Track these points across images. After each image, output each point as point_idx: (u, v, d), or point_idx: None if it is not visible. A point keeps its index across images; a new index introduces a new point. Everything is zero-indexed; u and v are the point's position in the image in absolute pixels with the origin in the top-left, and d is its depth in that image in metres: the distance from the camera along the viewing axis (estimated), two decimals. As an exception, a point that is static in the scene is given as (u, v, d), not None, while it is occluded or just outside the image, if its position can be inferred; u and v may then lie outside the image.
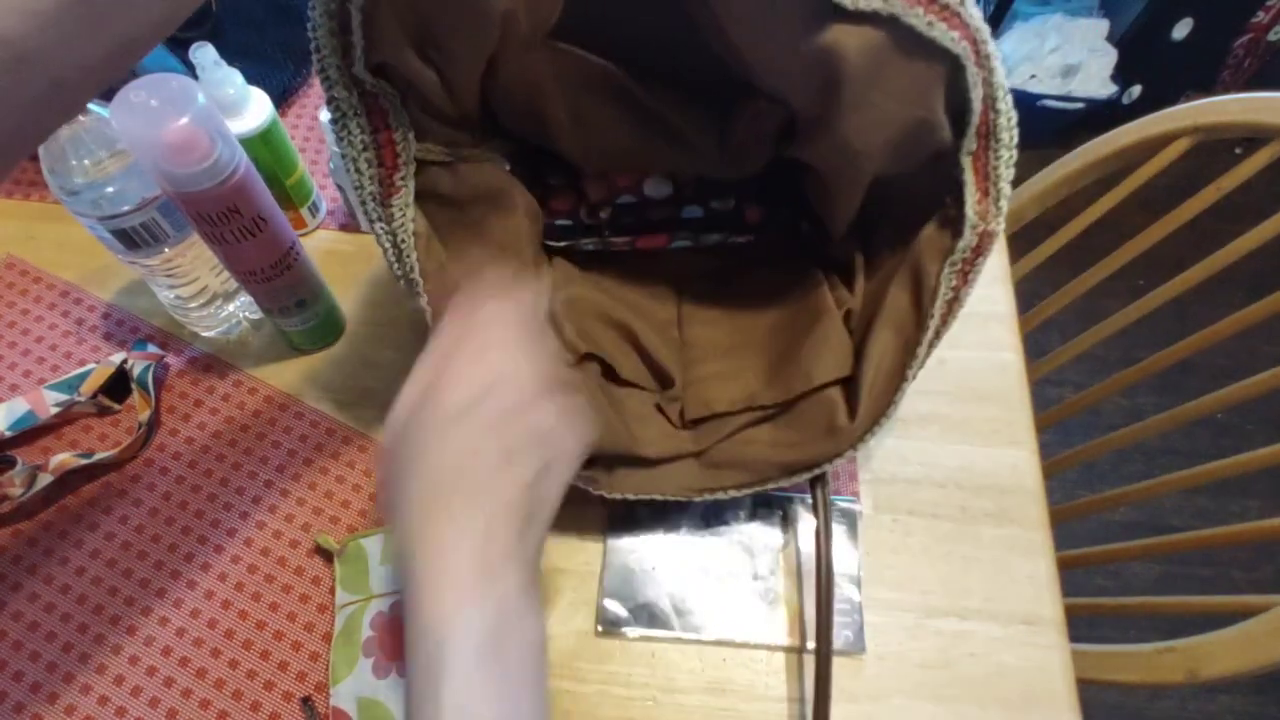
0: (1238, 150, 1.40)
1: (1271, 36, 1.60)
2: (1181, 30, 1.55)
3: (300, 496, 0.48)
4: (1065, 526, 0.57)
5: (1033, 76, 1.57)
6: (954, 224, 0.38)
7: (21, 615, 0.44)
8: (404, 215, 0.37)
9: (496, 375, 0.31)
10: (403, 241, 0.37)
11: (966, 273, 0.38)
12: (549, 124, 0.42)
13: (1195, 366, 0.74)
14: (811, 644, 0.43)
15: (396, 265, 0.38)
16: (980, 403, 0.52)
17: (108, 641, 0.43)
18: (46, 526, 0.46)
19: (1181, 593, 0.62)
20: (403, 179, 0.36)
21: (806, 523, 0.47)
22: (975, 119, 0.34)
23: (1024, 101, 1.57)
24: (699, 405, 0.45)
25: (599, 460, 0.43)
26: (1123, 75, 1.58)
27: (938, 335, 0.39)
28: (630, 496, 0.43)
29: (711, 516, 0.47)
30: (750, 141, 0.43)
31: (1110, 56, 1.57)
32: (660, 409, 0.45)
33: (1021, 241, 0.70)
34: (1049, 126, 1.62)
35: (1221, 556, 1.24)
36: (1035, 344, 0.60)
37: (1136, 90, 1.64)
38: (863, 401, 0.40)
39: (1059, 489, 1.16)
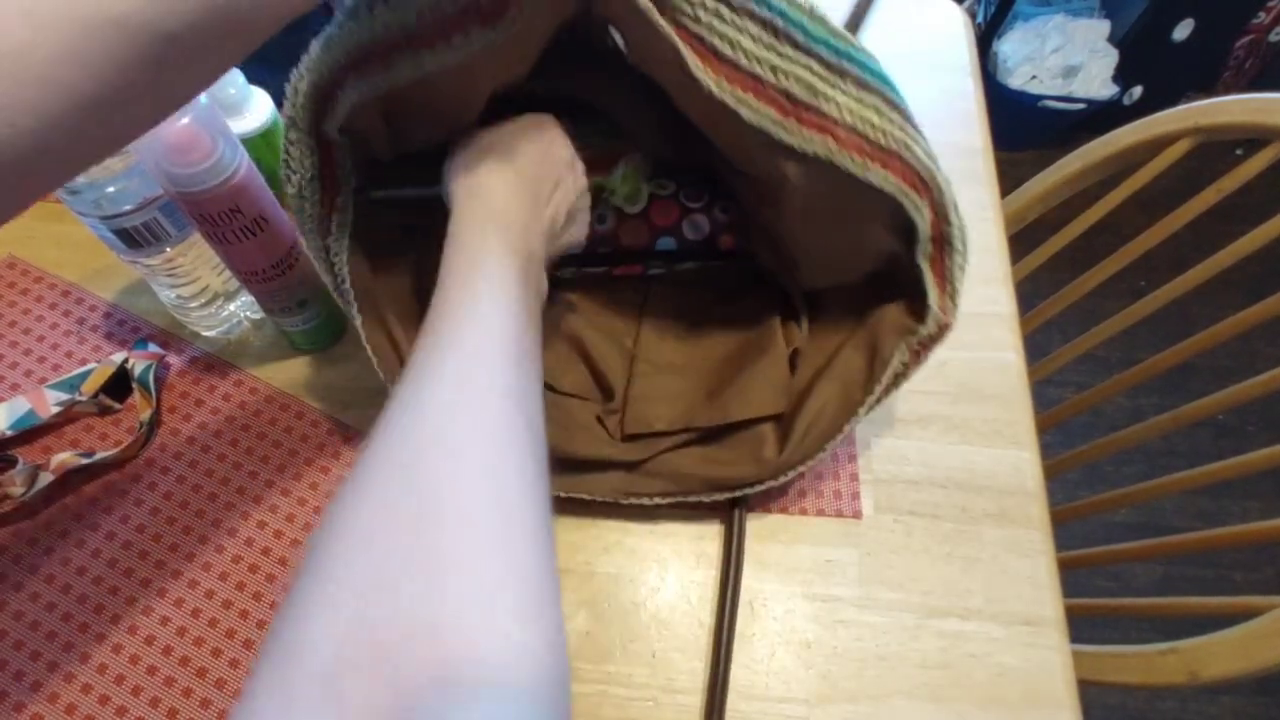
0: (1238, 151, 1.40)
1: (1272, 37, 1.60)
2: (1182, 31, 1.55)
3: (301, 496, 0.48)
4: (1066, 527, 0.58)
5: (1034, 77, 1.57)
6: (918, 313, 0.41)
7: (23, 615, 0.44)
8: (340, 246, 0.39)
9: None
10: (335, 256, 0.39)
11: (919, 354, 0.41)
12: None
13: (1196, 368, 0.74)
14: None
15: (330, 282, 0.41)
16: (981, 403, 0.52)
17: (109, 641, 0.43)
18: (48, 526, 0.46)
19: (1183, 594, 0.62)
20: (342, 200, 0.38)
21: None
22: (926, 230, 0.37)
23: (1025, 102, 1.57)
24: (638, 422, 0.46)
25: None
26: (1124, 76, 1.58)
27: (879, 400, 0.42)
28: (560, 494, 0.45)
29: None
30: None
31: (1111, 57, 1.57)
32: (600, 420, 0.47)
33: (1022, 242, 0.70)
34: (1050, 127, 1.62)
35: (1223, 558, 1.24)
36: (1036, 345, 0.60)
37: (1137, 91, 1.64)
38: (792, 441, 0.43)
39: (1060, 490, 1.16)
